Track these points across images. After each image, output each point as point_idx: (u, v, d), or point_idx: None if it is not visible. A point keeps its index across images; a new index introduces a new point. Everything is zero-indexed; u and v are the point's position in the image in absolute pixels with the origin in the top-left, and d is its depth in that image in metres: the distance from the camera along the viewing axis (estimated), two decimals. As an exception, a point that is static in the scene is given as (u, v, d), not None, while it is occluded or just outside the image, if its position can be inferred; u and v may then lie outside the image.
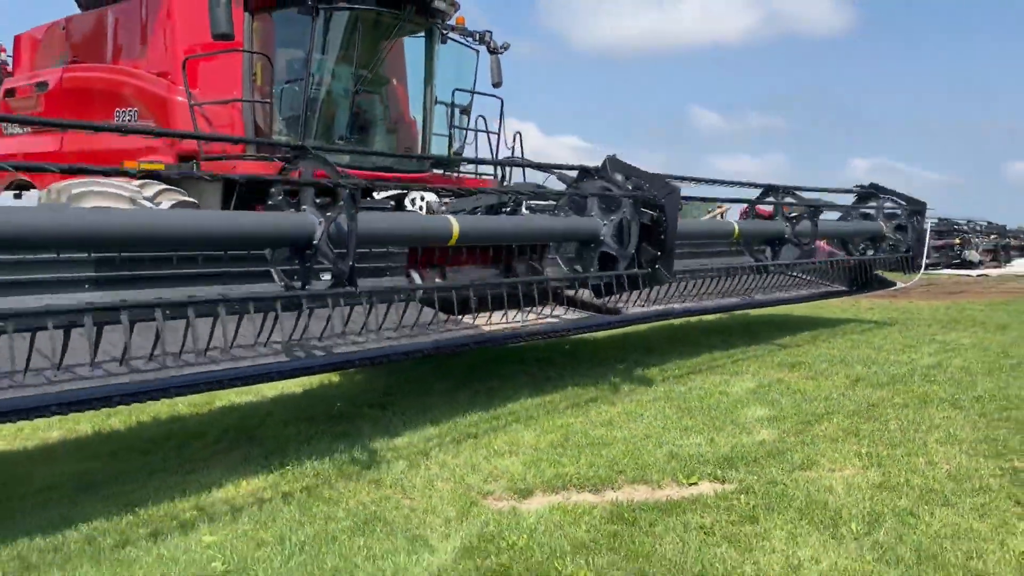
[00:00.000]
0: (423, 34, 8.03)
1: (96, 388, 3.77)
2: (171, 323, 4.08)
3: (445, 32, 8.09)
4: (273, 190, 4.45)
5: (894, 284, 10.48)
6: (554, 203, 6.60)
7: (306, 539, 3.62)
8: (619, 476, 4.48)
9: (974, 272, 22.61)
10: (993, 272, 23.03)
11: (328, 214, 4.22)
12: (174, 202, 6.31)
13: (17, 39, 9.92)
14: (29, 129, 9.22)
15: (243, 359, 4.28)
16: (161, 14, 7.85)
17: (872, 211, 9.94)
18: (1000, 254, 26.11)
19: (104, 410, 4.94)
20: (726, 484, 4.35)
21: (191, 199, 6.50)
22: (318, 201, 4.42)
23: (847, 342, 9.00)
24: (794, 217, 8.16)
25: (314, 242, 4.27)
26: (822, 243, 9.89)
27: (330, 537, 3.64)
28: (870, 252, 9.82)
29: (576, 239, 6.04)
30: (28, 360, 3.67)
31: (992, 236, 26.40)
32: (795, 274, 9.13)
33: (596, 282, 6.29)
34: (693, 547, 3.54)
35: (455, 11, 7.96)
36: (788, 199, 8.34)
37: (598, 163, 6.33)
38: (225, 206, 6.93)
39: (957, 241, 24.60)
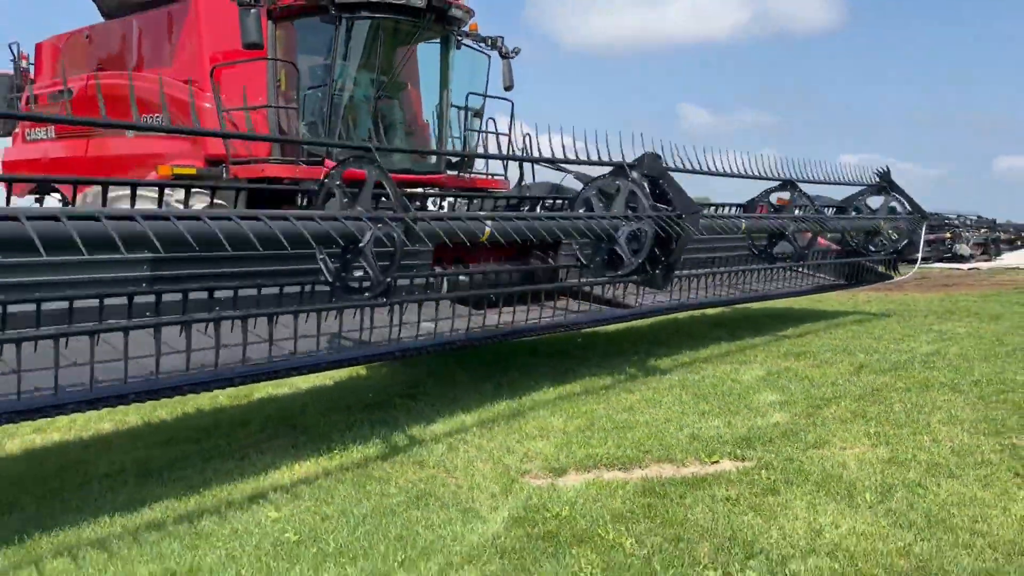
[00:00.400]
0: (439, 40, 8.34)
1: (167, 379, 4.07)
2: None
3: (460, 38, 8.40)
4: (333, 172, 4.75)
5: (891, 276, 10.83)
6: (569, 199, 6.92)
7: (367, 512, 3.93)
8: (645, 456, 4.81)
9: (965, 266, 23.02)
10: (984, 265, 23.43)
11: (380, 225, 4.47)
12: (205, 204, 6.61)
13: (38, 47, 10.17)
14: (53, 134, 9.50)
15: (297, 352, 4.59)
16: (188, 23, 8.12)
17: (873, 206, 10.23)
18: (990, 247, 26.49)
19: (150, 402, 5.27)
20: (746, 461, 4.69)
21: (220, 201, 6.79)
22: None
23: (848, 332, 9.36)
24: (799, 219, 8.44)
25: (360, 245, 4.54)
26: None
27: (388, 510, 3.96)
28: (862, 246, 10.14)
29: (596, 236, 6.34)
30: (92, 352, 3.95)
31: (982, 230, 26.79)
32: (795, 267, 9.46)
33: (603, 282, 6.59)
34: (722, 515, 3.87)
35: (470, 18, 8.27)
36: (800, 199, 8.65)
37: (591, 157, 6.54)
38: (250, 206, 7.21)
39: (948, 235, 24.99)
